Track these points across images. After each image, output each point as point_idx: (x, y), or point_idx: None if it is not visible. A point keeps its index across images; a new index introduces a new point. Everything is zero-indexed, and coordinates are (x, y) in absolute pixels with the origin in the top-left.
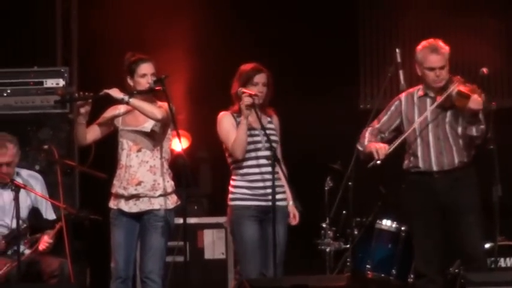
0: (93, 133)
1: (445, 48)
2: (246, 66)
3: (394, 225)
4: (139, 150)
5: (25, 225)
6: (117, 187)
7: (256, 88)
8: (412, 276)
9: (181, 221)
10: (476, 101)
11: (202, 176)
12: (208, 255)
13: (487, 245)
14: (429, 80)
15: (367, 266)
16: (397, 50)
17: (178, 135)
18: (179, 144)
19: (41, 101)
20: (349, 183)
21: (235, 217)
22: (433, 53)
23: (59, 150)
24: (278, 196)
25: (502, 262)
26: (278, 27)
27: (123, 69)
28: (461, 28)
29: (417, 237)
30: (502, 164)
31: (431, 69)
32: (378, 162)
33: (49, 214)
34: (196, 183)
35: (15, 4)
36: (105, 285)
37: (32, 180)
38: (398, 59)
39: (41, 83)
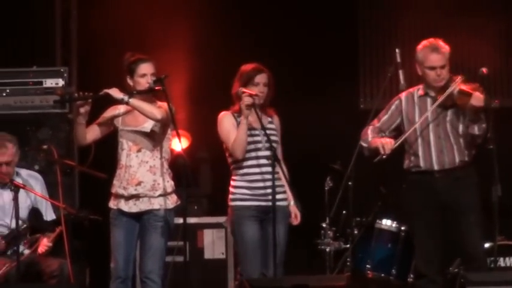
0: (92, 133)
1: (445, 47)
2: (247, 66)
3: (394, 225)
4: (139, 150)
5: (25, 225)
6: (117, 187)
7: (257, 88)
8: (412, 276)
9: (181, 220)
10: (478, 98)
11: (202, 176)
12: (208, 255)
13: (486, 245)
14: (430, 80)
15: (367, 265)
16: (397, 50)
17: (178, 135)
18: (179, 144)
19: (40, 100)
20: (349, 183)
21: (236, 217)
22: (434, 52)
23: (59, 150)
24: (278, 196)
25: (502, 262)
26: (278, 27)
27: (123, 69)
28: (461, 28)
29: (418, 237)
30: (502, 164)
31: (432, 68)
32: (384, 156)
33: (49, 214)
34: (196, 183)
35: (15, 4)
36: (104, 285)
37: (32, 180)
38: (398, 59)
39: (41, 83)
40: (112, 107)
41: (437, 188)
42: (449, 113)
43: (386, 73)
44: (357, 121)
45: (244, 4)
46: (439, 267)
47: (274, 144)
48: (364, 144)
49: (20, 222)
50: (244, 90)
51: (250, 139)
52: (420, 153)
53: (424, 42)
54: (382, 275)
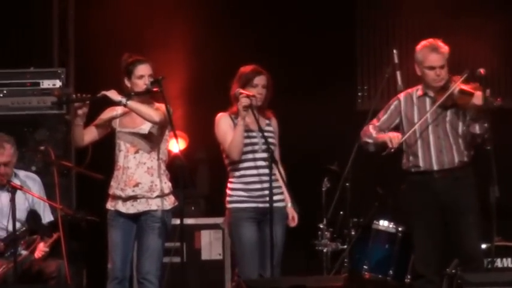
0: (90, 134)
1: (444, 47)
2: (246, 68)
3: (391, 226)
4: (136, 152)
5: (24, 228)
6: (114, 188)
7: (256, 90)
8: (409, 276)
9: (178, 221)
10: (479, 96)
11: (199, 177)
12: (205, 256)
13: (484, 246)
14: (429, 80)
15: (364, 266)
16: (395, 51)
17: (176, 137)
18: (176, 145)
19: (38, 102)
20: (346, 184)
21: (233, 220)
22: (433, 52)
23: (56, 151)
24: (276, 197)
25: (499, 262)
26: (275, 27)
27: (120, 70)
28: (459, 28)
29: (417, 237)
30: (500, 165)
31: (432, 68)
32: (392, 150)
33: (47, 216)
34: (194, 184)
35: (12, 5)
36: (101, 286)
37: (30, 181)
38: (396, 60)
39: (38, 84)
40: (109, 109)
41: (437, 188)
42: (449, 113)
43: (383, 74)
44: (354, 122)
45: (242, 5)
46: (437, 268)
47: (271, 147)
48: (369, 140)
49: (19, 224)
50: (241, 91)
51: (247, 141)
52: (419, 153)
53: (424, 42)
54: (379, 275)
